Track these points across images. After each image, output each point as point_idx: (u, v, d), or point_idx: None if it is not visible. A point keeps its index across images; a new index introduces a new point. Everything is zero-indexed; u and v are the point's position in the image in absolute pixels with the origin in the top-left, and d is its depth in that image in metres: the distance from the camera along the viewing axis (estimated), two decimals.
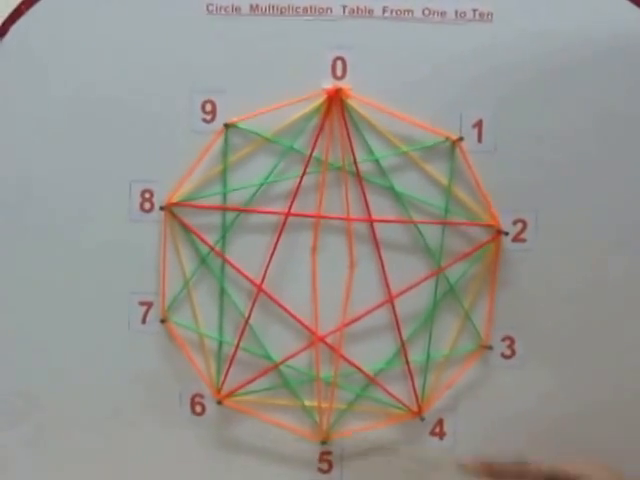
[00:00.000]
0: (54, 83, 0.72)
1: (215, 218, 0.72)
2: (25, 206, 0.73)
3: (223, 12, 0.70)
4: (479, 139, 0.71)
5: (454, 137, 0.71)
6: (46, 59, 0.72)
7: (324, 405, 0.73)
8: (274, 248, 0.72)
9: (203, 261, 0.73)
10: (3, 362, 0.74)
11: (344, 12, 0.70)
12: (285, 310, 0.73)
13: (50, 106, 0.72)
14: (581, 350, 0.73)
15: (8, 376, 0.74)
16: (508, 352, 0.73)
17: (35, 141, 0.72)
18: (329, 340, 0.72)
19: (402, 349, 0.72)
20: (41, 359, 0.74)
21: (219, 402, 0.73)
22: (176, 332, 0.73)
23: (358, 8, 0.70)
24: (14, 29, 0.71)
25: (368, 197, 0.72)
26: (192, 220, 0.72)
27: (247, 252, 0.72)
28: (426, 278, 0.72)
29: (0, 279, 0.74)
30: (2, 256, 0.73)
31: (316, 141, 0.71)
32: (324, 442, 0.73)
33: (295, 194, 0.71)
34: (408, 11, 0.70)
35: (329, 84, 0.71)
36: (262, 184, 0.72)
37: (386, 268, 0.72)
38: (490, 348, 0.72)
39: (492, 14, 0.70)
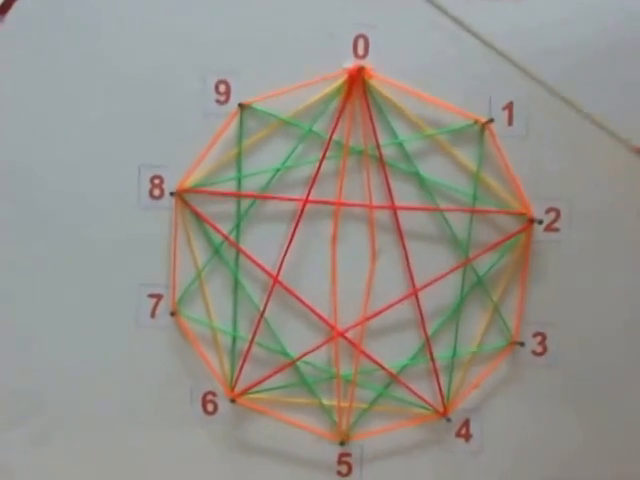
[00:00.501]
0: (58, 63, 0.68)
1: (229, 205, 0.69)
2: (27, 193, 0.69)
3: None
4: (509, 122, 0.68)
5: (483, 120, 0.67)
6: (50, 37, 0.68)
7: (343, 404, 0.69)
8: (291, 238, 0.68)
9: (216, 251, 0.69)
10: (4, 358, 0.70)
11: None
12: (303, 303, 0.69)
13: (54, 87, 0.68)
14: (619, 348, 0.69)
15: (9, 373, 0.70)
16: (539, 349, 0.69)
17: (38, 124, 0.69)
18: (349, 335, 0.68)
19: (427, 345, 0.69)
20: (44, 355, 0.70)
21: (232, 400, 0.69)
22: (187, 326, 0.69)
23: None
24: (17, 6, 0.68)
25: (391, 183, 0.68)
26: (204, 208, 0.69)
27: (263, 242, 0.69)
28: (452, 270, 0.68)
29: (1, 270, 0.70)
30: (2, 245, 0.70)
31: (336, 124, 0.67)
32: (343, 443, 0.69)
33: (314, 180, 0.67)
34: None
35: (350, 63, 0.67)
36: (279, 169, 0.68)
37: (410, 259, 0.68)
38: (521, 344, 0.68)
39: None
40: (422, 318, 0.68)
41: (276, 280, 0.68)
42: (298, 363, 0.69)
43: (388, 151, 0.68)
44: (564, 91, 0.67)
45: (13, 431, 0.70)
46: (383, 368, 0.69)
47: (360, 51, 0.67)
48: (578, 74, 0.67)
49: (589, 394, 0.69)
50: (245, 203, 0.68)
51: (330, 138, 0.67)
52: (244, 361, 0.69)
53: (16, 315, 0.70)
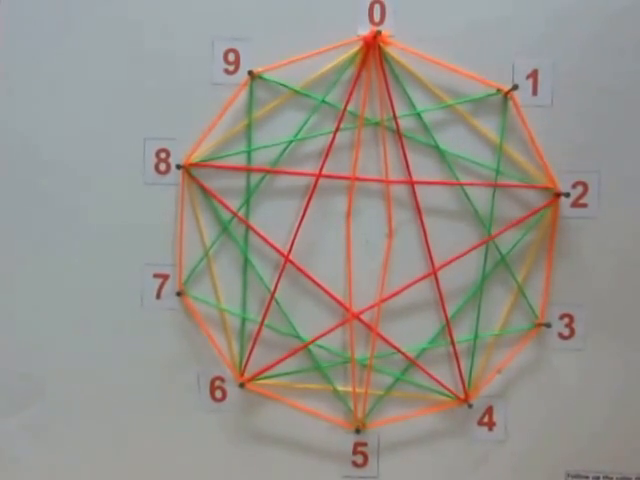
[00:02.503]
0: (61, 29, 0.65)
1: (238, 180, 0.65)
2: (26, 170, 0.66)
3: None
4: (534, 91, 0.64)
5: (506, 88, 0.64)
6: (53, 6, 0.66)
7: (359, 390, 0.65)
8: (304, 214, 0.65)
9: (225, 228, 0.66)
10: (5, 342, 0.67)
11: None
12: (316, 284, 0.65)
13: (56, 54, 0.66)
14: None
15: (10, 358, 0.67)
16: (566, 332, 0.65)
17: (39, 94, 0.66)
18: (365, 317, 0.65)
19: (447, 328, 0.65)
20: (44, 340, 0.67)
21: (242, 386, 0.66)
22: (194, 308, 0.66)
23: None
24: None
25: (409, 157, 0.64)
26: (213, 182, 0.66)
27: (273, 218, 0.66)
28: (474, 248, 0.65)
29: (1, 251, 0.67)
30: (2, 225, 0.67)
31: (351, 94, 0.64)
32: (358, 431, 0.66)
33: (327, 153, 0.64)
34: None
35: (366, 30, 0.64)
36: (291, 142, 0.65)
37: (429, 237, 0.65)
38: (547, 326, 0.65)
39: None
40: (442, 299, 0.65)
41: (287, 259, 0.65)
42: (311, 347, 0.65)
43: (406, 122, 0.65)
44: (592, 56, 0.64)
45: (12, 418, 0.67)
46: (400, 352, 0.65)
47: (376, 17, 0.64)
48: (607, 37, 0.64)
49: (619, 379, 0.65)
50: (255, 178, 0.65)
51: (344, 109, 0.64)
52: (254, 344, 0.66)
53: (16, 297, 0.67)
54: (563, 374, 0.65)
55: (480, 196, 0.65)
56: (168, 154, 0.66)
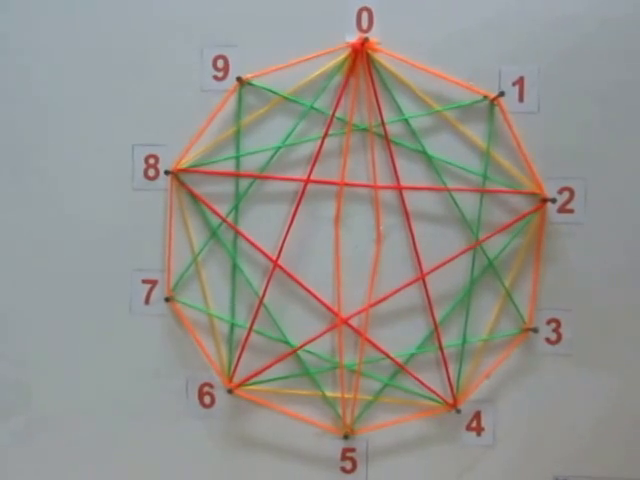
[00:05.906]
0: (53, 37, 0.66)
1: (227, 186, 0.66)
2: (17, 174, 0.67)
3: None
4: (520, 98, 0.65)
5: (492, 95, 0.64)
6: (40, 10, 0.66)
7: (347, 396, 0.65)
8: (292, 219, 0.65)
9: (213, 234, 0.66)
10: None
11: None
12: (304, 289, 0.65)
13: (45, 59, 0.66)
14: (637, 335, 0.65)
15: None
16: (553, 337, 0.65)
17: (30, 100, 0.66)
18: (353, 322, 0.65)
19: (435, 333, 0.65)
20: (33, 346, 0.67)
21: (230, 392, 0.66)
22: (183, 313, 0.66)
23: None
24: None
25: (397, 162, 0.65)
26: (201, 188, 0.66)
27: (262, 224, 0.66)
28: (462, 253, 0.65)
29: None
30: None
31: (339, 100, 0.64)
32: (347, 437, 0.66)
33: (316, 159, 0.65)
34: None
35: (354, 37, 0.64)
36: (279, 148, 0.65)
37: (417, 242, 0.65)
38: (534, 331, 0.65)
39: None
40: (430, 304, 0.65)
41: (276, 264, 0.65)
42: (299, 352, 0.65)
43: (393, 128, 0.65)
44: (578, 62, 0.64)
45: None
46: (389, 357, 0.65)
47: (364, 24, 0.65)
48: (594, 44, 0.64)
49: (606, 384, 0.65)
50: (244, 183, 0.66)
51: (332, 115, 0.64)
52: (242, 350, 0.66)
53: (2, 304, 0.67)
54: (551, 379, 0.65)
55: (468, 201, 0.65)
56: (157, 160, 0.66)
